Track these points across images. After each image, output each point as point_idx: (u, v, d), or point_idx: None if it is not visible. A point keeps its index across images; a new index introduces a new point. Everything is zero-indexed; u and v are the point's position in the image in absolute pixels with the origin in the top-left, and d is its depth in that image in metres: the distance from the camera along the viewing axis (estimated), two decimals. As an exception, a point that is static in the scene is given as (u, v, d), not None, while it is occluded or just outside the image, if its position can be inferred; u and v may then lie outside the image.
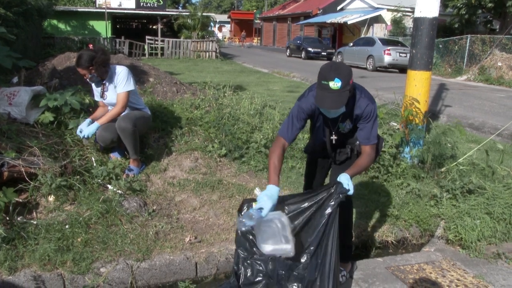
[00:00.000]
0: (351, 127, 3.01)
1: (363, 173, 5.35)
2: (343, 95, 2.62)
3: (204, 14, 29.09)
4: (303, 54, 29.57)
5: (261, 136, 5.62)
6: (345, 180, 2.78)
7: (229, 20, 63.43)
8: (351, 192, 2.77)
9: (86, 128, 4.53)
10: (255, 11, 62.07)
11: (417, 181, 5.04)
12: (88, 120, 4.57)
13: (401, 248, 4.29)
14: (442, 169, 5.16)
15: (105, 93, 4.63)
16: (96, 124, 4.51)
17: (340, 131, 3.05)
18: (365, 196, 4.89)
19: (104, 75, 4.52)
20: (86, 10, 27.49)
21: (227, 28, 64.91)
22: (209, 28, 30.94)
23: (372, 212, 4.52)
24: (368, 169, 3.00)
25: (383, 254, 4.12)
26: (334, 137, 3.10)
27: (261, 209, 2.63)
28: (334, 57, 26.99)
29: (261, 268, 2.86)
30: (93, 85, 4.70)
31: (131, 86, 4.56)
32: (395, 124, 5.78)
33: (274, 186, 2.77)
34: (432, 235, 4.42)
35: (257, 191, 2.80)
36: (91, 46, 4.57)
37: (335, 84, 2.60)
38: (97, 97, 4.80)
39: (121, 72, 4.52)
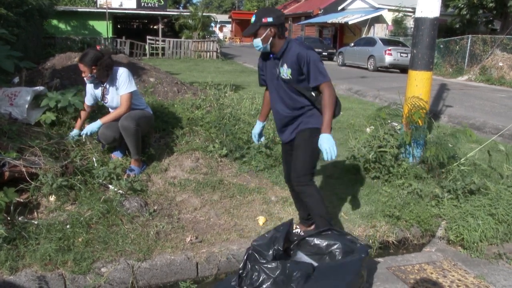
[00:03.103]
0: (290, 74, 3.39)
1: (364, 173, 5.35)
2: (254, 26, 3.35)
3: (205, 14, 29.12)
4: (304, 54, 29.52)
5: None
6: (326, 143, 3.23)
7: (230, 20, 63.37)
8: (333, 156, 3.23)
9: (87, 126, 4.54)
10: (256, 11, 62.05)
11: (419, 181, 5.03)
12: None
13: (402, 248, 4.28)
14: (444, 169, 5.15)
15: (105, 96, 4.62)
16: (98, 122, 4.52)
17: (281, 76, 3.45)
18: (366, 196, 4.89)
19: (104, 79, 4.52)
20: (87, 10, 27.49)
21: (228, 28, 64.84)
22: (210, 28, 30.96)
23: (373, 212, 4.52)
24: (334, 105, 3.36)
25: (384, 254, 4.11)
26: (279, 83, 3.50)
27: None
28: (335, 57, 26.97)
29: (269, 275, 2.90)
30: (88, 87, 4.69)
31: (133, 87, 4.56)
32: (396, 124, 5.77)
33: (259, 122, 3.98)
34: (433, 236, 4.41)
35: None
36: (98, 47, 4.57)
37: (252, 19, 3.40)
38: (88, 100, 4.80)
39: (122, 74, 4.52)
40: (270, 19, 3.31)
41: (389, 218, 4.40)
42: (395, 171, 5.16)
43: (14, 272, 3.22)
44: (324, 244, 3.26)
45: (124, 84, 4.49)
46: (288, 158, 3.76)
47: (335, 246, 3.22)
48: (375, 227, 4.30)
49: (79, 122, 4.92)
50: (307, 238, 3.31)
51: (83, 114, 4.95)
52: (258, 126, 3.97)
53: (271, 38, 3.36)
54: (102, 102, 4.72)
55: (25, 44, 13.37)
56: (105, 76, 4.49)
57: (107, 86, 4.57)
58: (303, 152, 3.51)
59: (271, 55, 3.52)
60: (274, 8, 3.49)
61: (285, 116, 3.59)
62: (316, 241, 3.28)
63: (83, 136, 4.63)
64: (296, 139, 3.57)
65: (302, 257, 3.27)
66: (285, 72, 3.41)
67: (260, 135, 4.01)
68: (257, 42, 3.39)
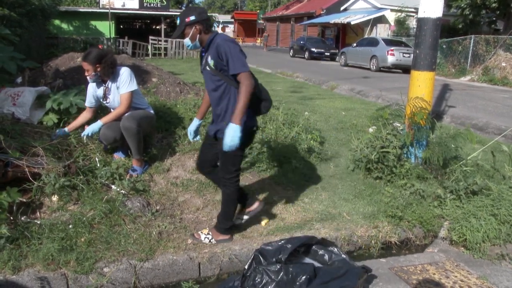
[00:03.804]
0: (213, 65, 3.46)
1: (366, 174, 5.34)
2: (180, 28, 3.50)
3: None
4: (306, 55, 29.53)
5: (265, 136, 5.62)
6: (230, 134, 3.25)
7: (232, 20, 63.40)
8: (233, 148, 3.29)
9: (88, 127, 4.54)
10: (258, 11, 62.02)
11: (421, 181, 5.02)
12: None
13: (404, 249, 4.28)
14: (446, 170, 5.14)
15: (107, 96, 4.62)
16: (99, 123, 4.52)
17: (207, 67, 3.53)
18: (369, 196, 4.89)
19: (108, 77, 4.52)
20: (89, 10, 27.48)
21: (230, 29, 64.85)
22: (213, 28, 30.91)
23: (375, 213, 4.51)
24: (249, 97, 3.34)
25: (386, 254, 4.11)
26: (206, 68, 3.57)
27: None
28: (337, 57, 26.97)
29: (272, 277, 2.94)
30: (90, 88, 4.67)
31: (134, 86, 4.56)
32: (399, 124, 5.77)
33: (196, 119, 4.05)
34: (435, 236, 4.41)
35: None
36: (100, 47, 4.59)
37: (177, 21, 3.55)
38: (89, 103, 4.76)
39: (123, 73, 4.52)
40: (192, 18, 3.46)
41: (392, 218, 4.40)
42: (397, 171, 5.16)
43: (16, 272, 3.23)
44: (328, 256, 3.34)
45: (125, 83, 4.49)
46: (205, 149, 3.93)
47: (337, 259, 3.28)
48: (378, 227, 4.30)
49: (73, 123, 4.80)
50: (314, 248, 3.36)
51: (81, 117, 4.81)
52: (194, 124, 4.04)
53: (198, 35, 3.51)
54: (104, 102, 4.71)
55: (28, 44, 13.39)
56: (110, 74, 4.50)
57: (109, 85, 4.57)
58: (223, 160, 3.69)
59: (202, 50, 3.64)
60: (195, 6, 3.75)
61: (213, 109, 3.68)
62: (322, 251, 3.35)
63: (84, 137, 4.62)
64: (219, 145, 3.58)
65: (305, 260, 3.31)
66: (210, 63, 3.49)
67: (196, 132, 4.07)
68: (187, 41, 3.54)
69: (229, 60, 3.35)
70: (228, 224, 3.86)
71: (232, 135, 3.25)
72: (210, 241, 3.83)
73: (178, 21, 3.53)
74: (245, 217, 4.05)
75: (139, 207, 4.13)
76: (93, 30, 27.14)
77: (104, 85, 4.60)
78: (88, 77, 4.50)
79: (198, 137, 4.11)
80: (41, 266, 3.30)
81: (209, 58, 3.49)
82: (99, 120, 4.55)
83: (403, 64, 20.61)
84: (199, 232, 3.91)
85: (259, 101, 3.60)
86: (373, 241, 4.19)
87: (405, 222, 4.39)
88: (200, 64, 3.74)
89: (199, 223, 4.16)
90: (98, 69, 4.41)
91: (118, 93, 4.54)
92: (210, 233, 3.87)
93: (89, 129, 4.51)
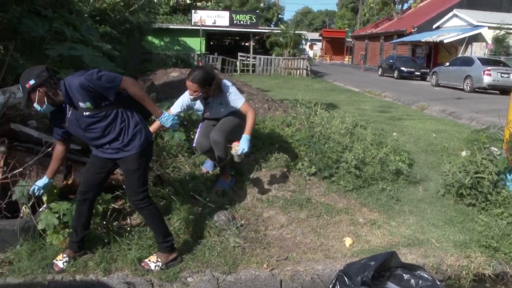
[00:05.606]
0: (91, 105, 3.24)
1: (458, 199, 5.09)
2: (24, 95, 3.21)
3: (296, 32, 29.30)
4: (395, 74, 28.80)
5: (352, 156, 5.52)
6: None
7: (320, 38, 63.42)
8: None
9: (240, 143, 4.33)
10: (346, 29, 61.59)
11: (520, 211, 4.70)
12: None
13: (500, 284, 4.00)
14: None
15: (207, 111, 4.62)
16: (247, 136, 4.34)
17: (85, 113, 3.27)
18: (460, 224, 4.65)
19: (217, 96, 4.49)
20: (181, 27, 28.59)
21: (318, 46, 64.87)
22: (300, 46, 31.09)
23: (467, 241, 4.28)
24: (146, 96, 3.40)
25: (478, 287, 3.87)
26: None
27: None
28: (428, 77, 26.11)
29: None
30: (185, 97, 4.65)
31: (243, 97, 4.59)
32: (496, 149, 5.46)
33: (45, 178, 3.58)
34: (537, 273, 4.09)
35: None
36: (200, 63, 4.67)
37: (19, 88, 3.26)
38: (174, 109, 4.65)
39: (230, 90, 4.49)
40: (32, 82, 3.16)
41: (486, 249, 4.15)
42: (493, 199, 4.88)
43: (107, 274, 3.42)
44: (414, 281, 3.13)
45: (236, 96, 4.48)
46: (92, 173, 3.56)
47: (425, 285, 3.08)
48: (470, 257, 4.06)
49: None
50: (400, 272, 3.21)
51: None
52: (43, 181, 3.57)
53: (45, 98, 3.22)
54: (202, 113, 4.73)
55: (126, 59, 14.13)
56: (218, 94, 4.44)
57: (211, 101, 4.56)
58: (130, 182, 3.49)
59: (64, 106, 3.34)
60: (33, 68, 3.32)
61: (102, 139, 3.40)
62: (407, 276, 3.17)
63: (242, 154, 4.36)
64: (124, 169, 3.49)
65: (389, 285, 3.17)
66: (84, 107, 3.24)
67: (45, 188, 3.59)
68: (36, 107, 3.26)
69: (101, 82, 3.19)
70: (170, 240, 3.61)
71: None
72: (161, 268, 3.54)
73: (20, 88, 3.26)
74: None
75: (224, 221, 4.20)
76: (184, 46, 28.17)
77: (204, 101, 4.59)
78: (191, 96, 4.42)
79: (42, 191, 3.60)
80: (129, 271, 3.46)
81: (81, 104, 3.23)
82: (245, 134, 4.36)
83: (501, 84, 19.53)
84: (146, 260, 3.58)
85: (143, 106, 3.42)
86: (464, 271, 3.97)
87: (501, 254, 4.11)
88: (56, 124, 3.44)
89: (283, 240, 4.15)
90: (207, 91, 4.38)
91: (226, 107, 4.54)
92: (158, 259, 3.57)
93: (242, 146, 4.31)
